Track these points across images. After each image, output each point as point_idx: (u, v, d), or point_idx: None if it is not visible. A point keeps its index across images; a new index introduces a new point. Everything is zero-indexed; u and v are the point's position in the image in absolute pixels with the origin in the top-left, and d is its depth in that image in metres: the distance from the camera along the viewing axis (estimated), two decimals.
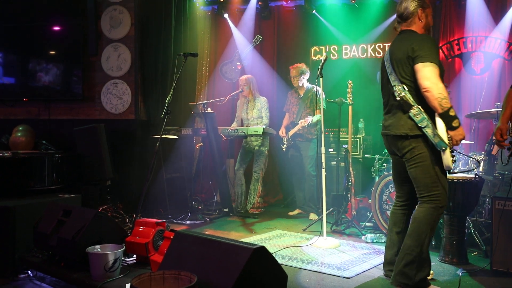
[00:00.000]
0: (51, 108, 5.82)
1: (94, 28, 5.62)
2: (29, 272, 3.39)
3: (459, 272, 3.33)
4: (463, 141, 4.34)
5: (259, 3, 6.39)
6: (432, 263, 3.53)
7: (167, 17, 5.74)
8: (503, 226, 3.31)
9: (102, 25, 5.64)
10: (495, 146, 4.01)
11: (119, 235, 3.40)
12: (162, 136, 4.05)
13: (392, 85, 2.92)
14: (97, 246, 3.12)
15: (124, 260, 3.32)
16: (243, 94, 5.50)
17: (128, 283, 2.83)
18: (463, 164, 4.24)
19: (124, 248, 3.20)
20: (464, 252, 3.61)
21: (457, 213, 3.60)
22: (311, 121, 5.09)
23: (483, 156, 4.11)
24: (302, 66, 5.30)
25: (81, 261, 3.09)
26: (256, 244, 2.53)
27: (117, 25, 5.61)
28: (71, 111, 5.78)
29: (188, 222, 4.97)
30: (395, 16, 5.88)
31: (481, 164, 4.10)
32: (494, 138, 2.97)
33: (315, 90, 5.22)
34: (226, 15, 6.57)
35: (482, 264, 3.47)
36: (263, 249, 2.51)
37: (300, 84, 5.31)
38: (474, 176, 3.61)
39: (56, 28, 5.69)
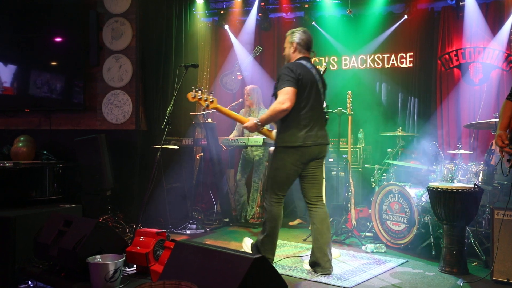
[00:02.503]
0: (52, 119, 5.85)
1: (95, 39, 5.66)
2: (29, 282, 3.38)
3: (460, 283, 3.33)
4: (462, 151, 4.37)
5: (259, 14, 6.45)
6: (432, 273, 3.55)
7: (168, 29, 5.79)
8: (503, 236, 3.31)
9: (104, 36, 5.69)
10: (494, 156, 4.02)
11: (120, 245, 3.40)
12: (163, 146, 4.07)
13: (325, 105, 3.70)
14: (98, 256, 3.12)
15: (124, 270, 3.32)
16: (247, 103, 5.52)
17: None
18: (462, 174, 4.24)
19: (124, 258, 3.20)
20: (464, 262, 3.61)
21: (457, 223, 3.61)
22: None
23: (482, 166, 4.12)
24: None
25: (81, 271, 3.09)
26: (256, 254, 2.53)
27: (118, 36, 5.66)
28: (72, 122, 5.81)
29: (188, 232, 4.97)
30: (393, 27, 5.95)
31: (480, 174, 4.11)
32: (495, 145, 2.99)
33: None
34: (226, 26, 6.62)
35: (483, 274, 3.47)
36: (263, 259, 2.52)
37: None
38: (473, 186, 3.62)
39: (58, 39, 5.73)
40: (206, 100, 3.77)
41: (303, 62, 3.56)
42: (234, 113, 3.82)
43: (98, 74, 5.72)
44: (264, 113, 3.67)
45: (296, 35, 3.64)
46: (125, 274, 3.30)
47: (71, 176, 4.63)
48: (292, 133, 3.45)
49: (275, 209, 3.55)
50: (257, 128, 3.59)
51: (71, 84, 5.71)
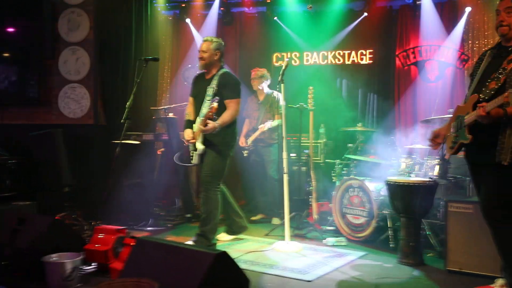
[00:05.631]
0: (5, 113, 5.60)
1: (50, 30, 5.45)
2: None
3: (416, 273, 3.45)
4: (419, 146, 4.51)
5: (221, 8, 6.40)
6: (390, 265, 3.66)
7: (127, 21, 5.66)
8: (457, 228, 3.45)
9: (60, 27, 5.49)
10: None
11: (78, 243, 3.31)
12: (123, 141, 3.98)
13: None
14: (54, 255, 3.03)
15: (82, 268, 3.23)
16: None
17: None
18: (419, 168, 4.38)
19: (82, 256, 3.11)
20: (420, 253, 3.73)
21: (414, 216, 3.72)
22: (270, 125, 5.13)
23: (437, 160, 4.27)
24: (264, 71, 5.34)
25: (37, 271, 2.98)
26: (218, 250, 2.53)
27: (75, 28, 5.48)
28: (27, 116, 5.58)
29: (149, 228, 4.89)
30: (354, 24, 6.10)
31: (436, 168, 4.25)
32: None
33: (275, 95, 5.28)
34: (188, 20, 6.54)
35: (437, 265, 3.61)
36: (225, 254, 2.52)
37: (260, 88, 5.33)
38: (429, 179, 3.74)
39: (10, 29, 5.49)
40: None
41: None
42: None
43: (54, 66, 5.52)
44: (225, 117, 3.92)
45: (219, 44, 4.07)
46: (83, 272, 3.21)
47: (26, 173, 4.46)
48: (234, 134, 4.11)
49: (219, 197, 4.06)
50: (214, 130, 3.85)
51: (25, 77, 5.49)
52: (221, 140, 3.99)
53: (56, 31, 5.50)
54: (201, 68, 4.15)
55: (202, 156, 4.03)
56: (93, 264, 3.35)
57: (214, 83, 3.99)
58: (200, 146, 4.00)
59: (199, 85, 4.14)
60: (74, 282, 2.95)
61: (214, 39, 4.09)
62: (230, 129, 4.05)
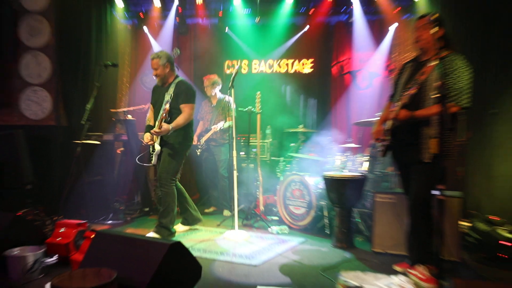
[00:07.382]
0: None
1: (11, 35, 5.19)
2: None
3: (347, 255, 3.61)
4: (351, 145, 4.70)
5: (177, 19, 6.35)
6: (325, 249, 3.80)
7: (88, 28, 5.48)
8: (382, 215, 3.65)
9: (20, 32, 5.24)
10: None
11: (39, 237, 3.20)
12: (84, 141, 3.88)
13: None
14: (16, 249, 2.92)
15: (44, 261, 3.13)
16: None
17: (48, 282, 2.69)
18: (351, 164, 4.57)
19: (44, 249, 3.02)
20: (352, 238, 3.90)
21: (346, 206, 3.89)
22: (222, 126, 5.17)
23: (367, 157, 4.47)
24: (215, 77, 5.36)
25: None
26: (172, 240, 2.54)
27: (36, 33, 5.25)
28: None
29: (109, 222, 4.78)
30: (296, 36, 6.20)
31: (366, 164, 4.46)
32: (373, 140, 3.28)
33: (227, 100, 5.32)
34: (145, 29, 6.44)
35: (365, 247, 3.79)
36: (179, 244, 2.53)
37: (213, 94, 5.36)
38: (359, 174, 3.92)
39: None
40: None
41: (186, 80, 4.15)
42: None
43: (14, 70, 5.26)
44: (179, 120, 3.94)
45: (166, 57, 4.00)
46: (45, 265, 3.11)
47: None
48: (189, 135, 4.10)
49: (174, 190, 4.08)
50: (168, 132, 3.89)
51: None
52: (176, 141, 4.01)
53: (16, 35, 5.25)
54: (159, 83, 4.12)
55: (159, 155, 4.03)
56: (54, 256, 3.25)
57: (170, 91, 4.01)
58: (157, 147, 4.01)
59: (157, 93, 4.15)
60: (36, 274, 2.86)
61: (161, 54, 3.99)
62: (185, 131, 4.04)
